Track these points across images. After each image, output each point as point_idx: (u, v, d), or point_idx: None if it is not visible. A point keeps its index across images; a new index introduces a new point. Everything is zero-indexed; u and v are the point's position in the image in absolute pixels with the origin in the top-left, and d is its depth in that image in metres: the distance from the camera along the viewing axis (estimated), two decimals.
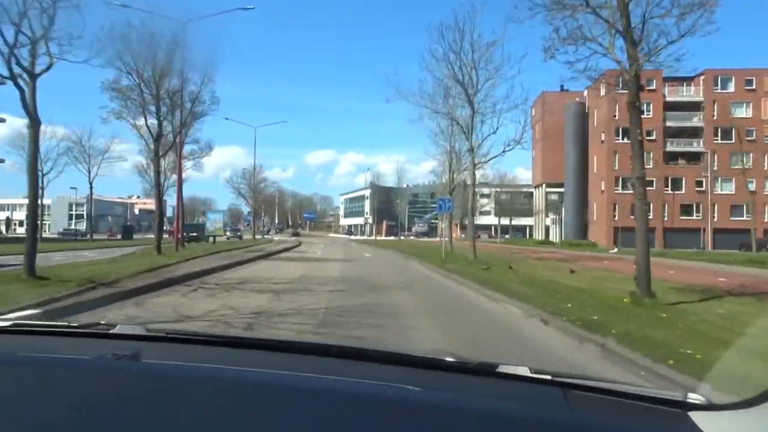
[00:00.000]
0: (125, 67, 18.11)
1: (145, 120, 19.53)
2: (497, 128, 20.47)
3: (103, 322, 1.58)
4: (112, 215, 79.09)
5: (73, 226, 79.85)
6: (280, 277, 13.91)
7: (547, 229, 72.54)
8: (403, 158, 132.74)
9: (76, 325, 1.60)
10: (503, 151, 21.61)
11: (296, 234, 77.12)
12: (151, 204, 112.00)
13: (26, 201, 11.35)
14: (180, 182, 24.46)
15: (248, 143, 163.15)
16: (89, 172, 45.06)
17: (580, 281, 13.67)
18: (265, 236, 69.92)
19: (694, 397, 1.07)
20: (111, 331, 1.49)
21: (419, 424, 0.96)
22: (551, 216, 69.06)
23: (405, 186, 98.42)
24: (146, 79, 18.47)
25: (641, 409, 1.07)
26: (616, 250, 37.19)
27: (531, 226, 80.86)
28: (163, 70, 18.88)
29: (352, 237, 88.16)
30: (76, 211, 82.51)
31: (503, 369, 1.23)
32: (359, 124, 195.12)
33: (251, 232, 57.30)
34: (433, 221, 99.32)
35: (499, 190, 78.77)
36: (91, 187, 46.00)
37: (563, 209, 65.80)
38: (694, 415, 1.01)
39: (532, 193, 79.10)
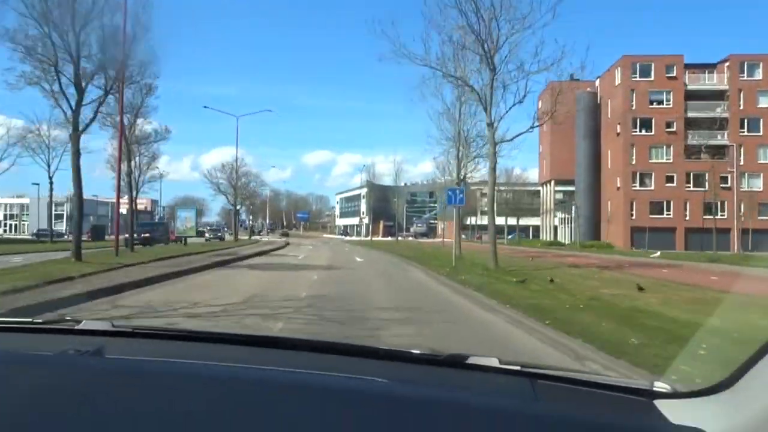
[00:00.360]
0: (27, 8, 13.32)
1: (59, 81, 14.53)
2: (524, 96, 15.67)
3: (68, 318, 1.61)
4: (96, 215, 73.74)
5: (54, 227, 74.81)
6: (216, 298, 9.14)
7: (555, 229, 67.91)
8: (400, 157, 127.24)
9: (40, 321, 1.58)
10: (532, 127, 16.84)
11: (285, 234, 72.49)
12: (139, 203, 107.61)
13: None
14: (119, 165, 19.16)
15: (246, 143, 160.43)
16: (48, 166, 40.09)
17: (683, 308, 8.88)
18: (253, 237, 65.15)
19: (659, 386, 1.09)
20: (76, 327, 1.46)
21: (387, 417, 0.96)
22: (560, 215, 63.93)
23: (403, 185, 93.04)
24: (58, 25, 13.62)
25: (607, 398, 1.09)
26: (658, 254, 31.48)
27: (537, 227, 76.11)
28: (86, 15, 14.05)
29: (347, 238, 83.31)
30: (56, 210, 77.42)
31: (472, 360, 1.24)
32: (357, 124, 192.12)
33: (246, 233, 53.12)
34: (431, 221, 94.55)
35: (505, 188, 74.19)
36: (51, 183, 41.03)
37: (573, 208, 61.14)
38: (660, 403, 1.04)
39: (538, 192, 74.32)
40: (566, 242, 60.51)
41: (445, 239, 71.27)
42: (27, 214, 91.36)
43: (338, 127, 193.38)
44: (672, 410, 1.00)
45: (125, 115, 21.70)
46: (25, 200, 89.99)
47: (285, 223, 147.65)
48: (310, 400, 1.00)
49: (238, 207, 55.04)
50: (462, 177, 23.92)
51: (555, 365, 1.68)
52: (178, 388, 1.03)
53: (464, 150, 23.58)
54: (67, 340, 1.36)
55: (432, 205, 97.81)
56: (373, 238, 63.39)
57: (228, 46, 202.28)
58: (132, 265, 15.17)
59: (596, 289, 11.53)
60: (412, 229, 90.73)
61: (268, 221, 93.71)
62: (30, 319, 1.61)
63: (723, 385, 1.01)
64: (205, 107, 36.84)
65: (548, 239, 65.15)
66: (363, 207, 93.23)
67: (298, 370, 1.14)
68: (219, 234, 54.76)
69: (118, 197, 19.62)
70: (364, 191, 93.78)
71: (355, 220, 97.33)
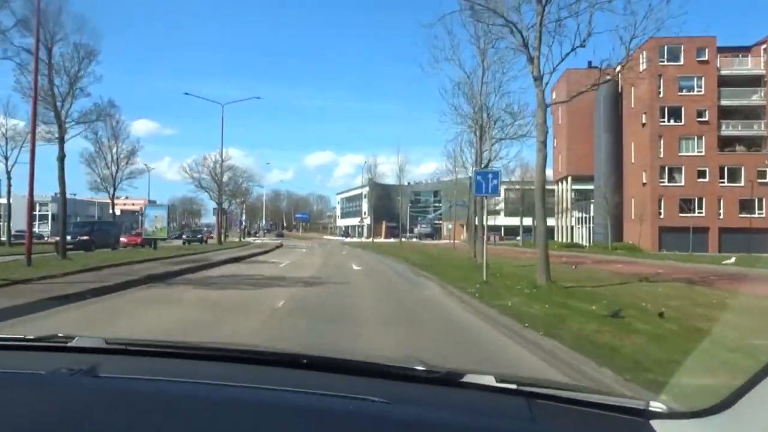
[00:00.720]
0: None
1: None
2: (585, 39, 10.87)
3: (60, 335, 1.51)
4: (84, 216, 68.82)
5: (36, 229, 70.28)
6: None
7: (571, 229, 63.07)
8: (402, 157, 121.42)
9: (32, 337, 1.54)
10: (596, 85, 12.02)
11: (280, 236, 67.92)
12: (135, 203, 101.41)
13: None
14: (33, 145, 14.05)
15: (247, 145, 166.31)
16: (6, 159, 35.50)
17: None
18: (247, 239, 60.55)
19: (655, 405, 1.08)
20: (68, 344, 1.44)
21: None
22: (577, 214, 58.82)
23: (406, 184, 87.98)
24: None
25: (604, 418, 1.09)
26: (733, 260, 25.49)
27: (551, 228, 71.24)
28: None
29: (348, 239, 78.60)
30: (40, 211, 72.71)
31: (469, 378, 1.23)
32: (359, 126, 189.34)
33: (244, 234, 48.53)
34: (436, 221, 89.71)
35: (518, 187, 69.44)
36: (9, 179, 36.43)
37: (592, 206, 56.34)
38: (656, 424, 1.03)
39: (552, 190, 69.21)
40: (585, 244, 55.71)
41: (454, 240, 66.74)
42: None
43: (340, 128, 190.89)
44: (667, 431, 1.01)
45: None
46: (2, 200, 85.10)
47: (285, 224, 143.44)
48: (306, 422, 0.99)
49: (228, 206, 50.61)
50: (486, 163, 19.13)
51: (551, 381, 1.71)
52: (173, 409, 1.03)
53: (487, 130, 18.81)
54: (60, 357, 1.34)
55: (437, 204, 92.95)
56: (375, 240, 58.39)
57: (228, 47, 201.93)
58: (17, 282, 10.49)
59: (717, 325, 6.82)
60: (416, 230, 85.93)
61: (265, 222, 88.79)
62: (22, 336, 1.57)
63: (721, 405, 1.00)
64: (186, 94, 35.01)
65: (563, 240, 60.32)
66: (364, 207, 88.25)
67: (294, 390, 1.12)
68: (200, 236, 49.47)
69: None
70: (365, 190, 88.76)
71: (356, 221, 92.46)
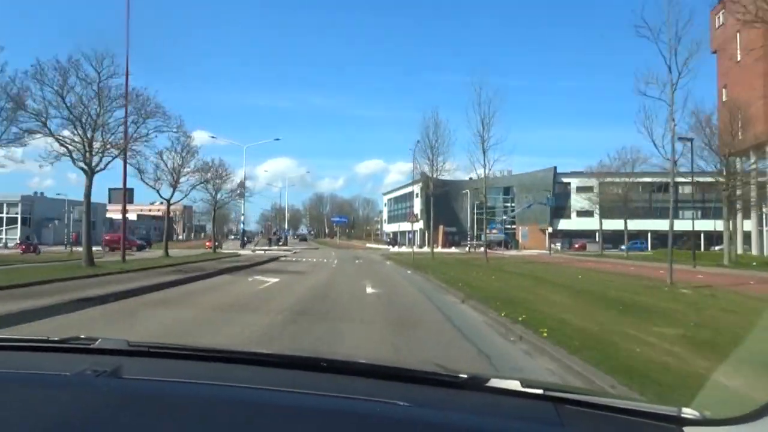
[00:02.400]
0: None
1: None
2: None
3: (83, 336, 1.53)
4: (62, 221, 55.15)
5: (3, 234, 57.09)
6: None
7: (744, 236, 40.07)
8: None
9: (56, 339, 1.54)
10: None
11: (304, 239, 52.67)
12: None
13: None
14: None
15: (298, 154, 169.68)
16: None
17: None
18: (241, 250, 44.57)
19: (688, 412, 1.04)
20: (91, 346, 1.45)
21: None
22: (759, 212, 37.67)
23: (468, 179, 68.94)
24: None
25: (634, 424, 1.04)
26: None
27: (680, 233, 51.49)
28: None
29: (394, 248, 61.41)
30: (8, 213, 59.55)
31: (494, 383, 1.20)
32: (408, 135, 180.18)
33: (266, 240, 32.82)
34: (509, 226, 71.24)
35: (627, 180, 50.20)
36: None
37: None
38: (689, 431, 1.00)
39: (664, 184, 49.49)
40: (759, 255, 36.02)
41: (532, 250, 48.20)
42: None
43: (390, 137, 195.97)
44: None
45: None
46: None
47: (327, 230, 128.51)
48: (330, 425, 0.98)
49: (218, 207, 35.32)
50: None
51: (578, 387, 1.59)
52: (196, 412, 1.03)
53: None
54: (84, 359, 1.34)
55: (507, 205, 74.51)
56: (435, 249, 40.62)
57: (280, 61, 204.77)
58: None
59: None
60: (484, 237, 67.59)
61: (286, 227, 72.43)
62: (46, 337, 1.57)
63: (756, 414, 0.98)
64: (212, 137, 30.21)
65: (754, 253, 40.84)
66: (417, 207, 70.33)
67: (318, 393, 1.11)
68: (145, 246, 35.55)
69: None
70: (417, 188, 71.11)
71: (407, 225, 75.35)
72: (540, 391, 1.14)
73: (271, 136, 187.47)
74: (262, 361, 1.41)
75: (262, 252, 41.33)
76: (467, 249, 59.60)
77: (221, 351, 1.55)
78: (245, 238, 60.13)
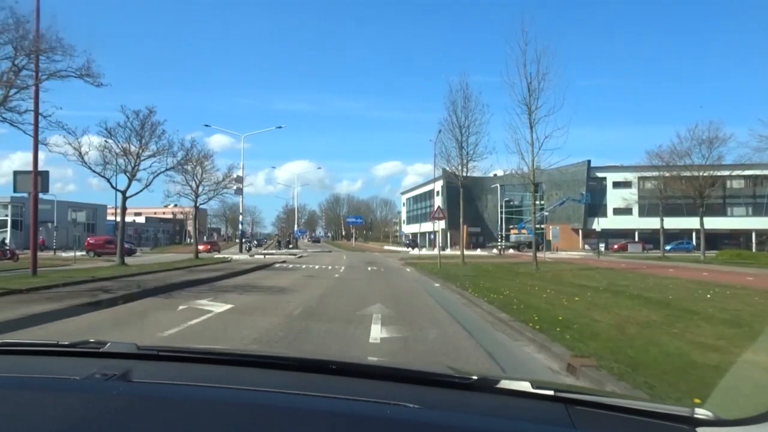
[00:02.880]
0: None
1: None
2: None
3: (92, 340, 1.52)
4: (56, 224, 51.20)
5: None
6: None
7: None
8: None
9: (66, 343, 1.53)
10: None
11: (317, 242, 48.03)
12: (188, 212, 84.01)
13: None
14: None
15: (316, 157, 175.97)
16: None
17: None
18: (237, 255, 40.07)
19: (701, 413, 1.04)
20: (101, 350, 1.45)
21: None
22: None
23: (492, 175, 63.63)
24: None
25: (647, 425, 1.04)
26: None
27: (725, 232, 46.15)
28: None
29: (414, 251, 56.37)
30: None
31: (504, 384, 1.20)
32: (426, 136, 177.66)
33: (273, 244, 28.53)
34: (538, 225, 65.64)
35: (666, 174, 44.16)
36: None
37: None
38: (702, 431, 1.00)
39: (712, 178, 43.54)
40: None
41: (567, 252, 42.74)
42: None
43: (409, 138, 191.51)
44: None
45: None
46: None
47: (343, 232, 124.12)
48: (340, 428, 0.98)
49: (201, 204, 30.73)
50: None
51: (589, 388, 1.62)
52: (205, 414, 1.03)
53: None
54: (93, 363, 1.34)
55: (537, 203, 68.91)
56: (464, 252, 35.48)
57: (297, 65, 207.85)
58: None
59: None
60: (512, 238, 62.27)
61: (298, 228, 67.63)
62: (56, 341, 1.55)
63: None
64: (205, 125, 27.81)
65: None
66: (437, 206, 65.21)
67: (327, 395, 1.11)
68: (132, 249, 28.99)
69: None
70: (438, 186, 66.08)
71: (427, 226, 70.26)
72: (551, 393, 1.13)
73: (289, 141, 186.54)
74: (272, 364, 1.41)
75: (262, 257, 36.72)
76: (495, 251, 54.30)
77: (231, 354, 1.55)
78: (255, 241, 55.63)
